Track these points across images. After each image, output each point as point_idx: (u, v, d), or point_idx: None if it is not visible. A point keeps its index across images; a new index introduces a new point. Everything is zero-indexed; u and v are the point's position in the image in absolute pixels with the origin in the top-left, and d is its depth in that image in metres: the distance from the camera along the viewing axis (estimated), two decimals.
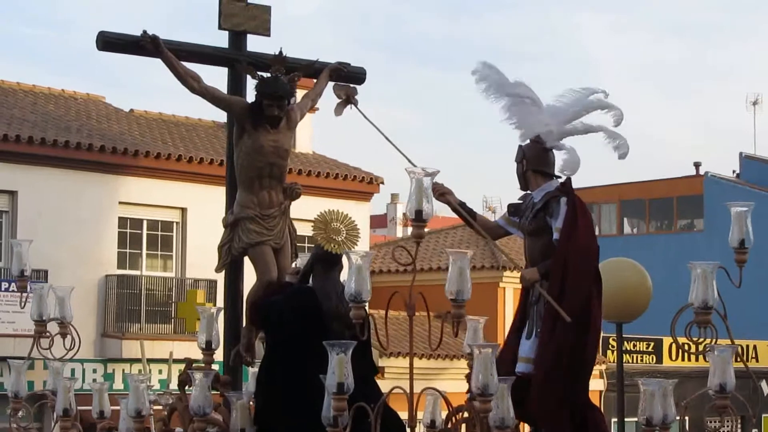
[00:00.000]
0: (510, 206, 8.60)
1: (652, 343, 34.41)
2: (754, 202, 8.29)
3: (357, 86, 9.91)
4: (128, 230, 26.13)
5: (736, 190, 45.07)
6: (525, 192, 8.60)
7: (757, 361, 36.70)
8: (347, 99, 9.41)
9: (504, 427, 6.52)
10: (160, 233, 26.62)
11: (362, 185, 29.32)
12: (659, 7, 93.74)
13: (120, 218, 25.90)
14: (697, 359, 25.65)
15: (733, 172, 49.55)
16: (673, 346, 34.31)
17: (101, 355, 24.73)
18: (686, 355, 33.85)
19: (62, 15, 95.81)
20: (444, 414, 7.97)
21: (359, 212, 23.96)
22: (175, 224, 26.71)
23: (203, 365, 8.50)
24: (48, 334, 9.74)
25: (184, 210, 26.61)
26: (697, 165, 48.66)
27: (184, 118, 29.72)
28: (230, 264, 9.39)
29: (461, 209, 8.55)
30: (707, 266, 7.75)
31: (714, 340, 7.69)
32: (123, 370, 24.46)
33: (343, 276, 8.64)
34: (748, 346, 36.09)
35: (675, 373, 24.50)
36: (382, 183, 29.98)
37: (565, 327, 7.94)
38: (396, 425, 7.99)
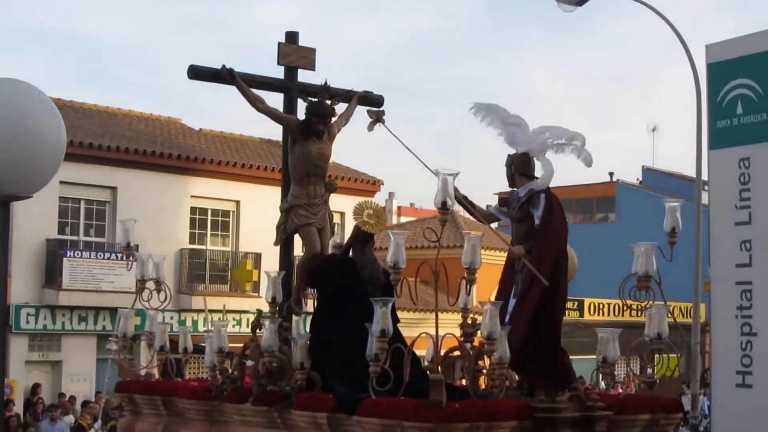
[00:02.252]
0: (500, 199, 8.39)
1: (576, 303, 34.18)
2: (660, 203, 8.10)
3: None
4: (197, 216, 25.91)
5: (638, 193, 44.94)
6: (512, 188, 8.38)
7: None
8: (377, 118, 9.19)
9: (502, 363, 6.36)
10: (220, 219, 26.38)
11: (368, 185, 29.10)
12: (582, 63, 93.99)
13: (191, 207, 25.67)
14: (615, 315, 25.52)
15: (637, 179, 49.39)
16: (593, 304, 34.12)
17: (177, 307, 24.39)
18: (601, 311, 33.67)
19: (150, 60, 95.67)
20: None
21: None
22: (231, 212, 26.47)
23: (269, 315, 8.32)
24: (147, 289, 9.52)
25: (238, 202, 26.35)
26: (611, 174, 48.45)
27: (239, 135, 29.53)
28: (284, 240, 9.18)
29: (465, 201, 8.34)
30: (649, 245, 7.58)
31: (652, 301, 7.51)
32: (192, 318, 24.29)
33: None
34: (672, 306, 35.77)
35: (594, 324, 24.29)
36: (383, 183, 30.02)
37: (542, 289, 7.71)
38: (416, 359, 7.79)
